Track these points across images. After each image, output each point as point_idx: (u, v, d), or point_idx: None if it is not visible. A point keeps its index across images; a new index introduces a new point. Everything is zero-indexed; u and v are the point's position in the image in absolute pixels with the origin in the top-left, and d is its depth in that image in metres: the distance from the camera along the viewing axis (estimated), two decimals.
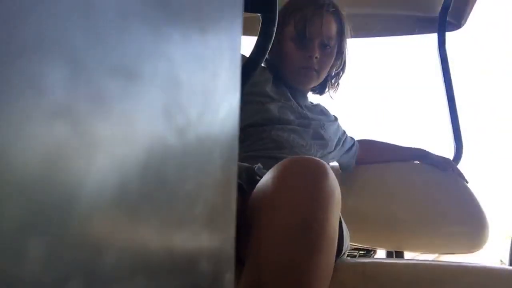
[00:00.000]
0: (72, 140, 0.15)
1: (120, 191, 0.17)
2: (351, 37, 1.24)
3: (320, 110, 1.25)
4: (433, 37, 1.61)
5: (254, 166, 0.85)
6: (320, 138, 1.14)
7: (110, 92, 0.16)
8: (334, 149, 1.23)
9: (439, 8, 1.55)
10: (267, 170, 0.72)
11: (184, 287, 0.21)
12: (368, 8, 1.60)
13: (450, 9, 1.53)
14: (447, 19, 1.57)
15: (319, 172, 0.64)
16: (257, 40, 0.62)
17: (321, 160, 0.67)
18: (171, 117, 0.20)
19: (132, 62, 0.17)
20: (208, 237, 0.23)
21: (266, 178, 0.67)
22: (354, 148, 1.37)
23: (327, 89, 1.26)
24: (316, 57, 1.10)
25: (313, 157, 0.70)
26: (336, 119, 1.29)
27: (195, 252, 0.22)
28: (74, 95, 0.15)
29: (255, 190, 0.70)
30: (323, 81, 1.21)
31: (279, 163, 0.67)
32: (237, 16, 0.24)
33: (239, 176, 0.82)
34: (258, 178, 0.81)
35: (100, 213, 0.16)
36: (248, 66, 0.62)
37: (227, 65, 0.24)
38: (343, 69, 1.24)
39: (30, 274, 0.13)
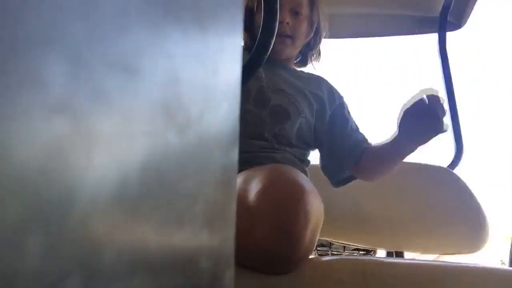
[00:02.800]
0: (72, 136, 0.15)
1: (120, 188, 0.17)
2: (351, 37, 1.24)
3: (310, 79, 1.17)
4: (434, 37, 1.61)
5: None
6: (281, 112, 1.05)
7: (110, 88, 0.16)
8: (316, 124, 1.09)
9: (440, 8, 1.55)
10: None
11: (184, 285, 0.21)
12: (368, 8, 1.61)
13: (451, 9, 1.53)
14: (448, 19, 1.57)
15: (292, 200, 0.64)
16: (259, 37, 0.61)
17: (298, 181, 0.67)
18: (171, 115, 0.20)
19: (133, 58, 0.17)
20: (208, 236, 0.23)
21: (243, 188, 0.68)
22: (354, 144, 1.11)
23: (309, 60, 1.23)
24: (287, 23, 1.08)
25: (288, 175, 0.69)
26: (334, 97, 1.15)
27: (195, 250, 0.22)
28: (74, 91, 0.15)
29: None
30: (303, 52, 1.20)
31: (259, 181, 0.67)
32: (238, 14, 0.24)
33: None
34: None
35: (100, 210, 0.16)
36: (251, 63, 0.62)
37: (228, 64, 0.24)
38: (319, 39, 1.20)
39: (29, 270, 0.13)
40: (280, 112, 1.05)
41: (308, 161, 1.13)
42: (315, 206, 0.67)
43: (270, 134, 1.03)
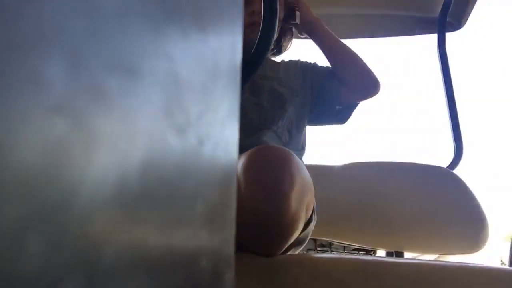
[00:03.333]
0: (72, 136, 0.15)
1: (120, 188, 0.17)
2: (351, 38, 1.25)
3: (283, 65, 1.23)
4: (433, 37, 1.62)
5: None
6: (277, 96, 1.10)
7: (110, 88, 0.16)
8: (312, 94, 1.18)
9: (439, 9, 1.56)
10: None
11: (184, 285, 0.21)
12: (368, 9, 1.61)
13: (450, 9, 1.53)
14: (447, 19, 1.57)
15: (278, 167, 0.65)
16: (260, 35, 0.61)
17: (283, 149, 0.68)
18: (171, 116, 0.20)
19: (132, 59, 0.17)
20: (208, 236, 0.23)
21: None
22: (330, 74, 1.22)
23: (282, 47, 1.25)
24: (259, 11, 1.12)
25: (273, 147, 0.71)
26: (297, 61, 1.24)
27: (195, 250, 0.22)
28: (74, 91, 0.15)
29: None
30: (277, 39, 1.21)
31: (244, 156, 0.68)
32: (237, 15, 0.24)
33: None
34: None
35: (100, 210, 0.16)
36: (251, 62, 0.62)
37: (227, 64, 0.24)
38: (289, 25, 1.22)
39: (29, 270, 0.13)
40: (277, 96, 1.10)
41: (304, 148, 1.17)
42: (302, 170, 0.69)
43: (273, 122, 1.07)
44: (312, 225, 0.88)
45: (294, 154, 0.72)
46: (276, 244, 0.68)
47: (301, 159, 1.08)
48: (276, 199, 0.63)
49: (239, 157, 0.76)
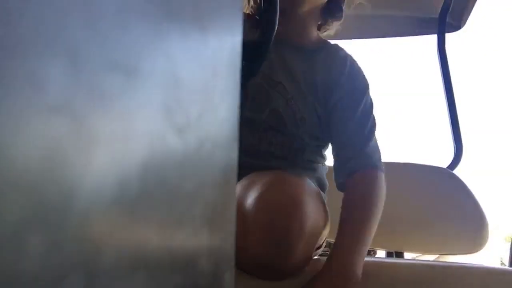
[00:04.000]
0: (71, 136, 0.15)
1: (120, 189, 0.17)
2: (351, 38, 1.20)
3: (316, 60, 0.88)
4: (433, 38, 1.62)
5: None
6: (278, 122, 0.84)
7: (110, 88, 0.16)
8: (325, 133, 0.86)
9: (439, 9, 1.55)
10: None
11: (184, 285, 0.21)
12: (368, 9, 1.60)
13: (450, 10, 1.53)
14: (447, 19, 1.57)
15: (288, 212, 0.62)
16: (260, 32, 0.61)
17: (296, 190, 0.64)
18: (171, 116, 0.20)
19: (132, 58, 0.17)
20: (208, 237, 0.23)
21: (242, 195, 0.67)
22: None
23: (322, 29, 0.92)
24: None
25: (288, 183, 0.65)
26: (336, 86, 0.85)
27: (195, 251, 0.22)
28: (74, 91, 0.15)
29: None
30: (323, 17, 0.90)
31: (257, 192, 0.64)
32: (238, 14, 0.24)
33: None
34: None
35: (100, 210, 0.16)
36: (251, 62, 0.61)
37: (227, 64, 0.24)
38: None
39: (30, 270, 0.13)
40: (277, 118, 0.86)
41: (324, 158, 0.93)
42: (313, 218, 0.65)
43: (269, 146, 0.86)
44: (319, 251, 0.85)
45: (310, 188, 0.68)
46: (280, 279, 0.68)
47: (315, 174, 0.88)
48: (281, 253, 0.62)
49: (251, 176, 0.70)
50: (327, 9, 0.92)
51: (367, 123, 0.85)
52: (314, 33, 0.93)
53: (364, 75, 0.89)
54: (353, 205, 0.76)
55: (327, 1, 0.90)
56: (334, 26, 0.96)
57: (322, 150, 0.92)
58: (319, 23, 0.94)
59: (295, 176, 0.70)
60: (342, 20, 0.95)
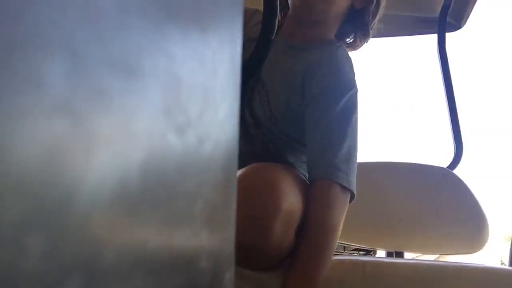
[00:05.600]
0: (72, 136, 0.15)
1: (120, 188, 0.17)
2: None
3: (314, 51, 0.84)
4: (433, 38, 1.61)
5: None
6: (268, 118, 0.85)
7: (110, 88, 0.16)
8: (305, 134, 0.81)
9: (439, 9, 1.55)
10: None
11: (184, 285, 0.21)
12: None
13: (450, 9, 1.53)
14: (447, 19, 1.57)
15: (266, 193, 0.64)
16: (260, 33, 0.61)
17: (274, 173, 0.66)
18: (171, 115, 0.20)
19: (132, 58, 0.17)
20: (208, 236, 0.23)
21: None
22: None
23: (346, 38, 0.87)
24: None
25: (266, 168, 0.67)
26: (311, 86, 0.80)
27: (195, 250, 0.22)
28: (74, 90, 0.15)
29: None
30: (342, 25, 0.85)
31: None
32: (238, 14, 0.24)
33: None
34: None
35: (100, 210, 0.16)
36: (251, 61, 0.61)
37: (227, 64, 0.24)
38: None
39: (30, 270, 0.13)
40: (253, 117, 0.85)
41: None
42: (289, 198, 0.67)
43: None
44: None
45: (287, 171, 0.70)
46: (263, 265, 0.69)
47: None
48: (258, 231, 0.64)
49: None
50: (351, 22, 0.88)
51: (343, 127, 0.78)
52: (323, 36, 0.89)
53: (351, 78, 0.84)
54: (309, 218, 0.72)
55: (353, 13, 0.86)
56: (358, 45, 0.91)
57: (304, 149, 0.87)
58: (337, 32, 0.90)
59: (274, 164, 0.73)
60: (367, 41, 0.91)
